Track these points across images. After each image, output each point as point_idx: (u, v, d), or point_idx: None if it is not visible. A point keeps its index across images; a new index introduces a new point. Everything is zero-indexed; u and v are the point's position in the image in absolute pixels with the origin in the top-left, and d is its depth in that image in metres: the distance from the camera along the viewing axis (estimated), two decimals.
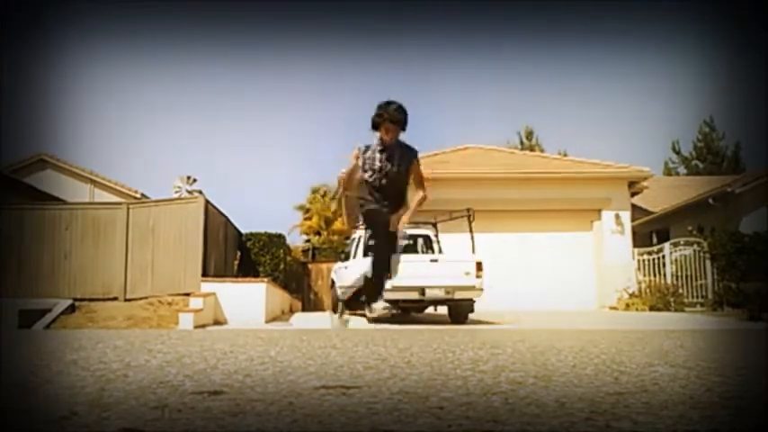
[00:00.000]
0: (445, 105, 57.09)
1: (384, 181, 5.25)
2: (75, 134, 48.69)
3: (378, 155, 5.27)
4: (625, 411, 1.44)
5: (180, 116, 54.73)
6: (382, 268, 5.37)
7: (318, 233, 28.26)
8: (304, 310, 17.04)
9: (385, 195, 5.31)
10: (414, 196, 5.43)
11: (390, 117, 5.08)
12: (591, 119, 54.37)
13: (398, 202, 5.37)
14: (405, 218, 5.26)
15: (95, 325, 10.00)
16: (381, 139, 5.19)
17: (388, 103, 5.11)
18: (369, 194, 5.36)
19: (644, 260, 15.53)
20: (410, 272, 9.96)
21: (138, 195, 20.80)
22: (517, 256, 15.15)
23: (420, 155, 5.36)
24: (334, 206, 27.80)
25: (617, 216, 15.56)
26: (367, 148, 5.31)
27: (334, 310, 13.61)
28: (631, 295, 14.52)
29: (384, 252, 5.37)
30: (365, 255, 11.46)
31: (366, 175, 5.30)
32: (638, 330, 4.76)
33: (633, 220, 16.55)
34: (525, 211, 15.58)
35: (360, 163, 5.27)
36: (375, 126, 5.18)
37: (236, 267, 15.51)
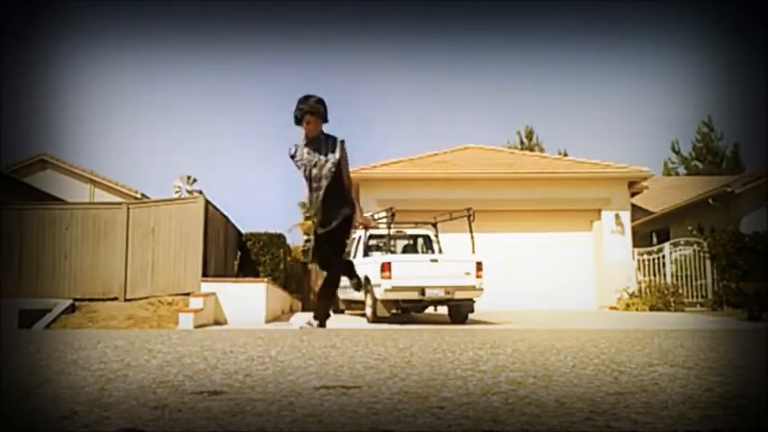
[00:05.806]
0: (445, 105, 57.08)
1: (314, 172, 5.24)
2: (75, 134, 48.72)
3: (304, 149, 5.37)
4: (625, 411, 1.44)
5: (180, 116, 54.75)
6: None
7: None
8: (304, 310, 17.05)
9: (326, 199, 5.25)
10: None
11: (310, 109, 5.22)
12: (591, 119, 54.39)
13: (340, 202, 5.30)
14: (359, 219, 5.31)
15: (95, 325, 10.00)
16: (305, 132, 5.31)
17: (307, 97, 5.23)
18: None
19: (644, 260, 15.54)
20: (410, 272, 9.97)
21: (138, 195, 20.80)
22: (517, 256, 15.15)
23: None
24: None
25: (617, 216, 15.57)
26: (296, 147, 5.41)
27: (335, 311, 13.63)
28: (631, 295, 14.54)
29: None
30: (365, 255, 11.49)
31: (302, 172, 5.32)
32: (638, 330, 4.77)
33: (633, 220, 16.56)
34: (525, 211, 15.59)
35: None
36: (297, 121, 5.28)
37: (236, 267, 15.52)
